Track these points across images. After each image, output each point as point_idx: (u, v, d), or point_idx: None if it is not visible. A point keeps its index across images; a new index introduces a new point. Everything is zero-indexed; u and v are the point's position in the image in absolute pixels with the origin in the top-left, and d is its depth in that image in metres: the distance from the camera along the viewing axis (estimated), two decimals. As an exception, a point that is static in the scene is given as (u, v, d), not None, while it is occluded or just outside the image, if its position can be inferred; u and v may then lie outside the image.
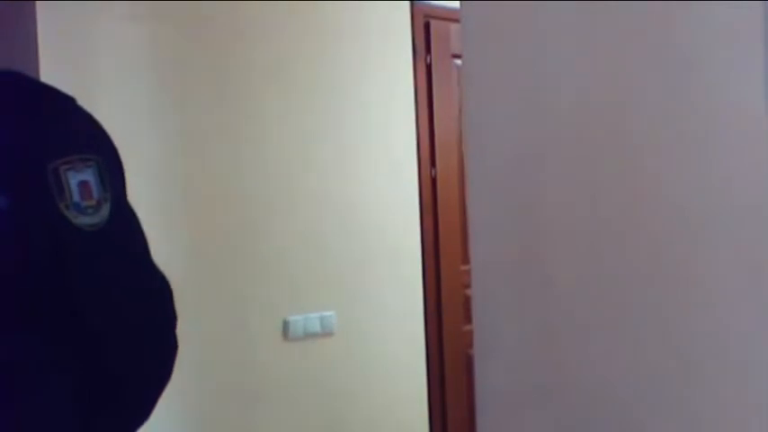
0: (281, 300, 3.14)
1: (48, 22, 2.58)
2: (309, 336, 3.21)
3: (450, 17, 3.44)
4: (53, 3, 2.59)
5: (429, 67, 3.55)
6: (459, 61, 3.34)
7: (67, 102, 1.06)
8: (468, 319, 3.45)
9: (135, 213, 1.09)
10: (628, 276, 1.36)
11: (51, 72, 2.52)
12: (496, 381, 1.67)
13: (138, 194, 2.91)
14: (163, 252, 3.03)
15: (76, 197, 0.96)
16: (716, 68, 1.19)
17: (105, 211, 0.99)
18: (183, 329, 3.02)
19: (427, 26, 3.56)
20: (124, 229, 1.05)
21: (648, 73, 1.31)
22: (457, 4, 1.81)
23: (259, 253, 3.08)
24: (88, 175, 0.98)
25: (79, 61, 2.67)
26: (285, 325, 3.14)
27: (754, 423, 1.15)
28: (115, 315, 1.01)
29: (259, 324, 3.09)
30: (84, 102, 2.84)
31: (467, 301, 3.46)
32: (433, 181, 3.60)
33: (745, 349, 1.16)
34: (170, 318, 1.12)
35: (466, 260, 3.53)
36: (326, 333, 3.26)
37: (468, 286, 1.90)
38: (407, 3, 3.52)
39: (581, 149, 1.45)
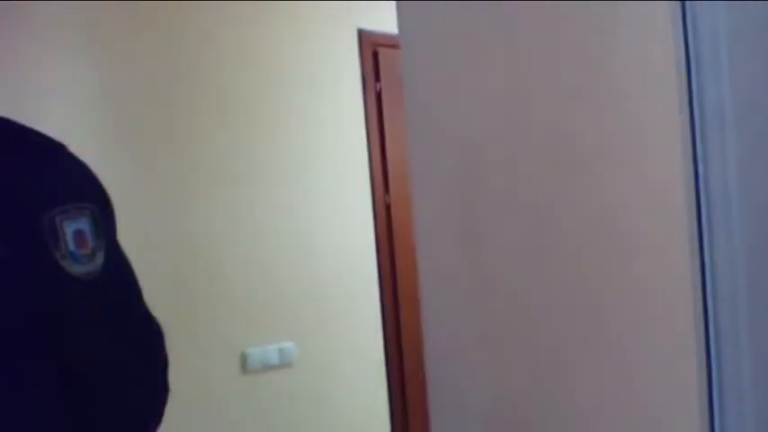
0: (239, 332, 3.10)
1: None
2: (268, 368, 3.17)
3: (398, 45, 3.47)
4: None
5: (379, 95, 3.57)
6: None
7: (59, 148, 1.06)
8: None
9: (127, 259, 1.10)
10: (565, 284, 1.39)
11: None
12: (451, 406, 1.67)
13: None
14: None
15: (72, 246, 0.96)
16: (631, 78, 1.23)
17: (100, 259, 0.99)
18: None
19: (375, 54, 3.58)
20: (118, 276, 1.06)
21: (579, 96, 1.34)
22: (404, 32, 1.84)
23: (215, 285, 3.05)
24: (83, 224, 0.98)
25: (23, 100, 2.63)
26: (243, 357, 3.10)
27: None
28: (109, 362, 1.02)
29: (217, 357, 3.04)
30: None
31: (425, 326, 3.45)
32: (388, 208, 3.61)
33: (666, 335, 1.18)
34: (162, 361, 1.14)
35: (423, 285, 3.53)
36: (285, 365, 3.22)
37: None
38: (355, 32, 3.55)
39: (519, 163, 1.47)
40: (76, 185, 1.04)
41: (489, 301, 1.57)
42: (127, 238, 3.11)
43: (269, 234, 3.20)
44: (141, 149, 2.91)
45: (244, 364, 3.11)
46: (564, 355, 1.42)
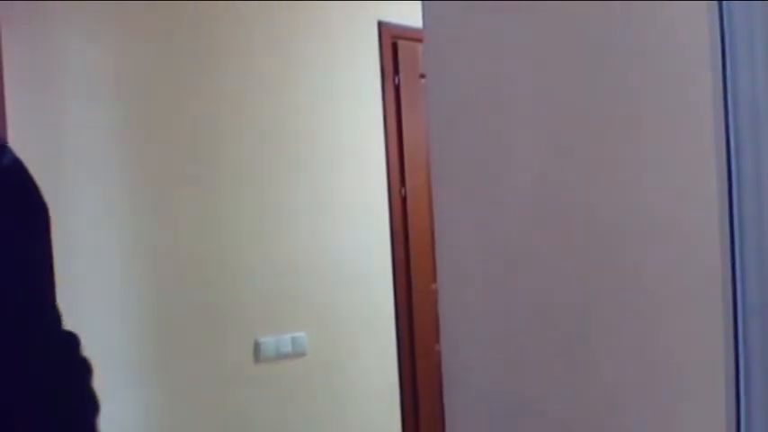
0: (253, 320, 3.12)
1: (13, 51, 2.56)
2: (281, 356, 3.19)
3: (417, 37, 3.43)
4: (18, 32, 2.57)
5: (397, 88, 3.57)
6: (427, 81, 3.37)
7: None
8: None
9: (37, 264, 0.93)
10: (585, 282, 1.39)
11: (17, 108, 2.51)
12: (466, 399, 1.68)
13: (109, 217, 2.86)
14: (134, 276, 2.99)
15: None
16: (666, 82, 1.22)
17: None
18: (153, 352, 2.97)
19: (395, 47, 3.58)
20: (8, 287, 0.87)
21: (600, 93, 1.34)
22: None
23: (229, 274, 3.07)
24: None
25: (44, 96, 2.65)
26: (256, 346, 3.13)
27: None
28: None
29: (230, 345, 3.06)
30: (49, 131, 2.80)
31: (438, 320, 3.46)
32: (403, 200, 3.61)
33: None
34: (79, 374, 0.94)
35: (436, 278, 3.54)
36: (299, 354, 3.24)
37: (439, 304, 1.92)
38: (375, 24, 3.55)
39: (542, 164, 1.47)
40: None
41: (508, 296, 1.57)
42: (141, 228, 3.13)
43: (283, 224, 3.22)
44: (163, 143, 2.92)
45: (257, 353, 3.13)
46: (581, 350, 1.42)
